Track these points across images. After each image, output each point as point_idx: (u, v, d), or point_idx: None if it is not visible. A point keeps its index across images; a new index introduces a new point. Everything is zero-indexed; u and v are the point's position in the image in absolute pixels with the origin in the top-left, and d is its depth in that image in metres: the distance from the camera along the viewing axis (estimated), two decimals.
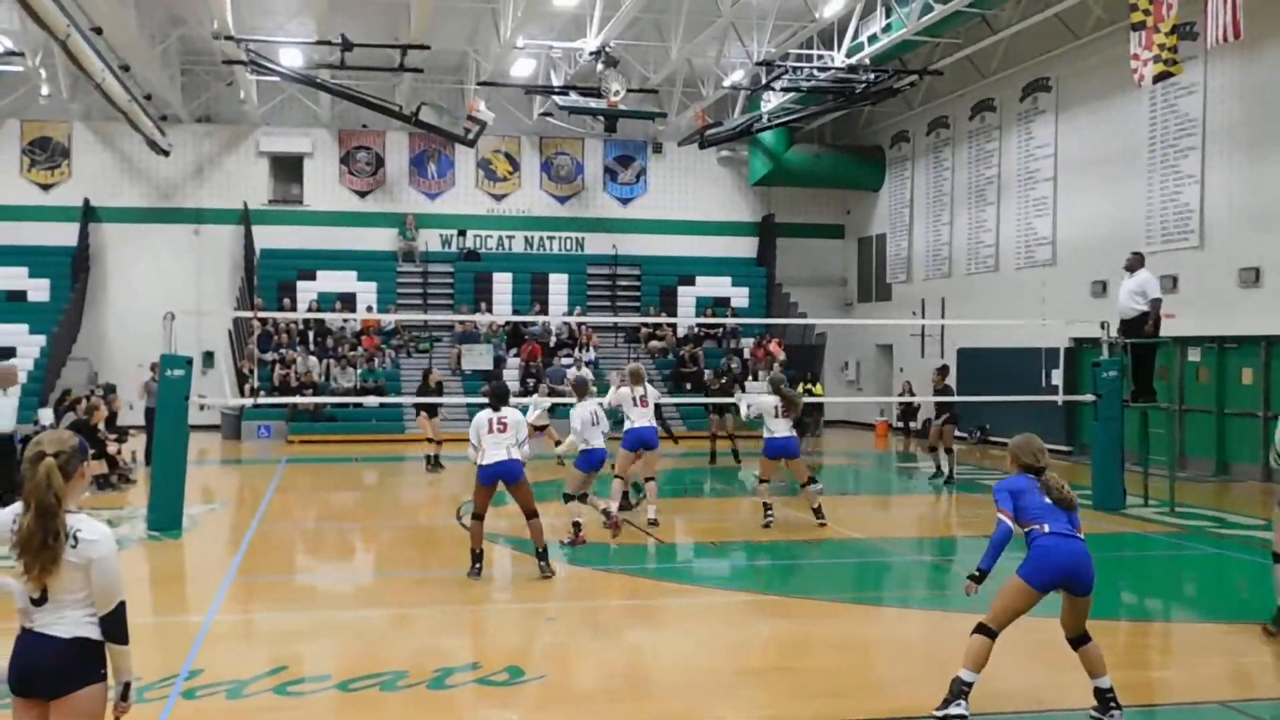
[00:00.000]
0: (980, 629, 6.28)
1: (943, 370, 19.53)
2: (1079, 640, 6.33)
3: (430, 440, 19.91)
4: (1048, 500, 6.31)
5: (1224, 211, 19.09)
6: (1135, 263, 15.60)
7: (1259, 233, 18.29)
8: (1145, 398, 15.74)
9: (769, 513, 13.25)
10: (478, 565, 10.17)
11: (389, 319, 29.25)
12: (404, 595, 10.11)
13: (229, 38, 21.04)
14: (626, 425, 13.07)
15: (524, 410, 12.72)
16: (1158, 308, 15.31)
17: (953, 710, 6.12)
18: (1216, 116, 19.26)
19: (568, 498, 12.18)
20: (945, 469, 18.22)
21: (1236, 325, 18.68)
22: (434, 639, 8.52)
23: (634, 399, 13.07)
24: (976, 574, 6.40)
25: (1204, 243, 19.47)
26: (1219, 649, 8.57)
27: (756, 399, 13.79)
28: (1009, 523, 6.29)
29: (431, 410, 20.00)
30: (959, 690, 6.19)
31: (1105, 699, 6.25)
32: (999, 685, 6.90)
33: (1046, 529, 6.22)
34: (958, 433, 19.57)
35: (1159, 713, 7.10)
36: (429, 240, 31.39)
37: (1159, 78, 17.64)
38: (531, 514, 10.32)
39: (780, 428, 13.07)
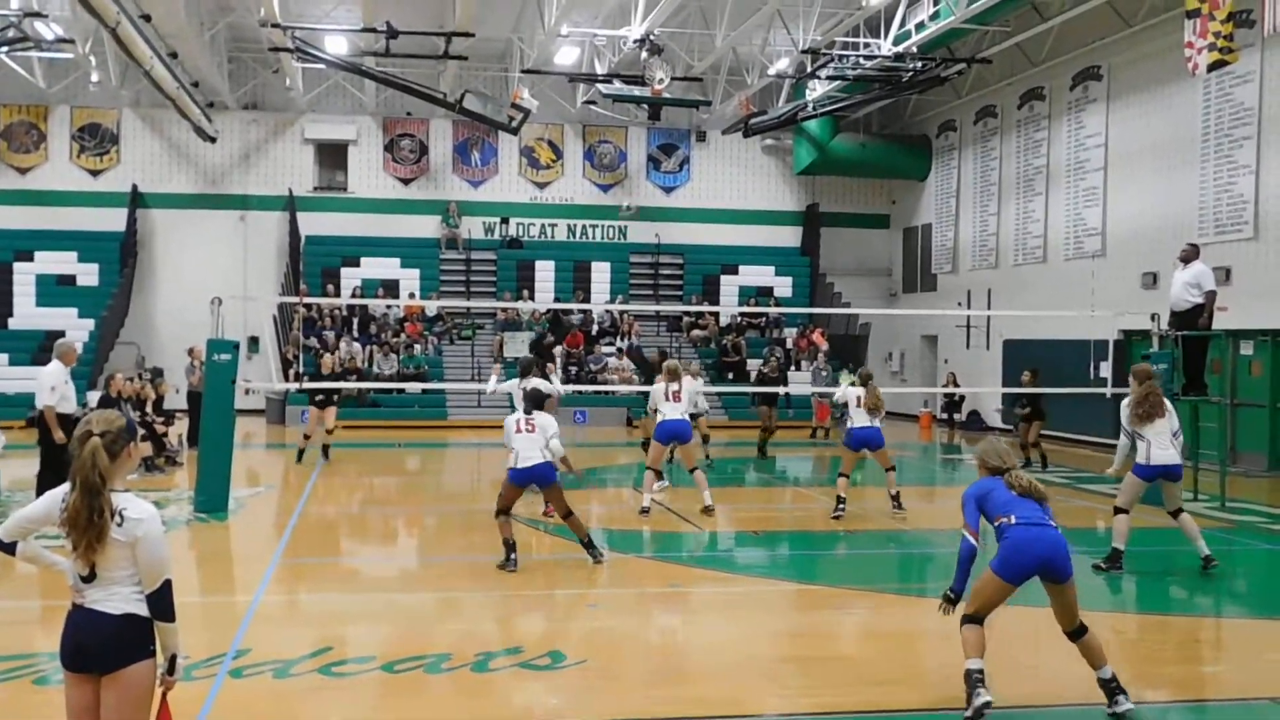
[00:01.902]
0: (967, 619, 6.28)
1: (1034, 371, 19.43)
2: (1075, 633, 6.26)
3: (328, 431, 18.33)
4: (1014, 493, 6.32)
5: (1279, 203, 18.75)
6: (1190, 254, 15.33)
7: None
8: (1196, 391, 15.49)
9: (841, 506, 13.20)
10: (513, 556, 10.05)
11: (432, 305, 29.36)
12: (447, 579, 10.16)
13: (275, 25, 21.14)
14: (659, 418, 13.27)
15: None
16: (1213, 300, 15.05)
17: (977, 700, 6.08)
18: (1273, 106, 18.90)
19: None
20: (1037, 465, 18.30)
21: None
22: (477, 623, 8.54)
23: (667, 393, 13.24)
24: (950, 595, 6.42)
25: (1259, 234, 19.13)
26: (1272, 644, 8.45)
27: (844, 390, 14.05)
28: (970, 539, 6.32)
29: (326, 400, 18.17)
30: (974, 681, 6.17)
31: (1110, 689, 6.18)
32: (1053, 674, 6.83)
33: (1014, 519, 6.23)
34: (1002, 425, 19.39)
35: (1210, 708, 7.03)
36: (472, 228, 31.49)
37: (1214, 66, 17.36)
38: (566, 514, 10.32)
39: (861, 418, 13.24)
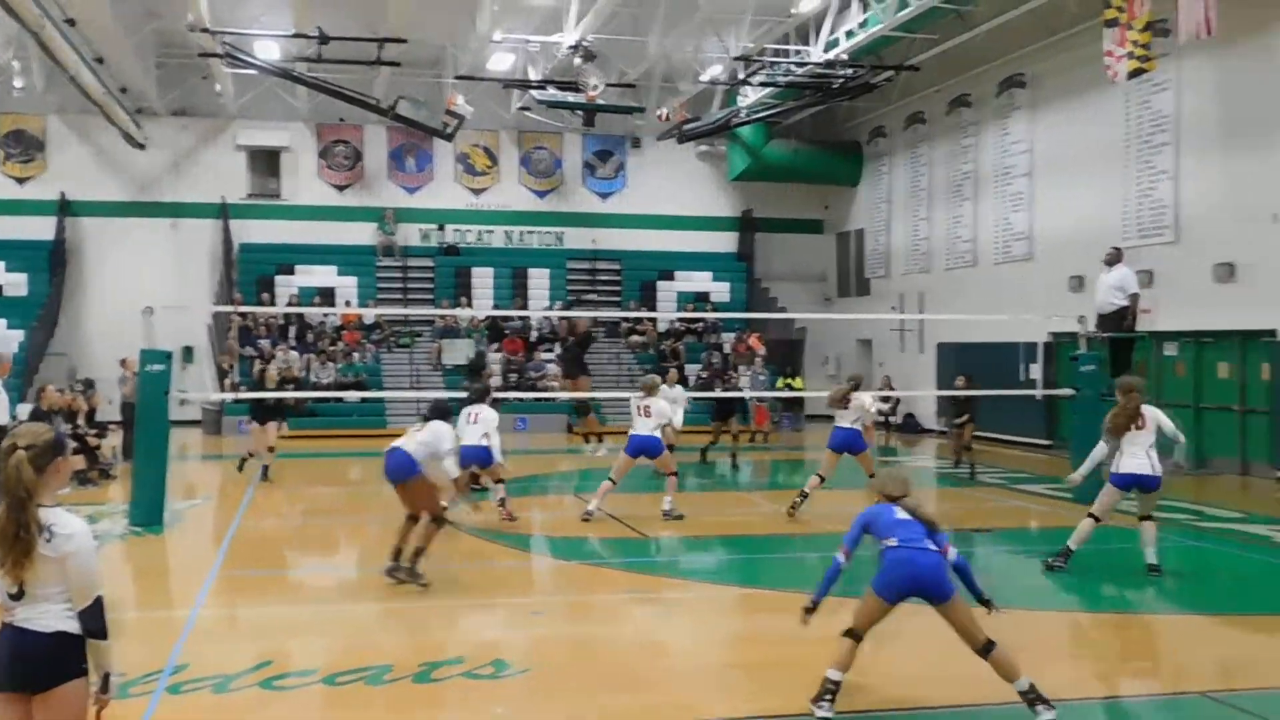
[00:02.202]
0: (848, 633, 6.47)
1: (968, 377, 19.73)
2: (983, 650, 6.38)
3: (270, 449, 17.25)
4: (900, 517, 6.53)
5: (1199, 207, 19.29)
6: (1114, 258, 15.77)
7: (1233, 228, 18.49)
8: None
9: (799, 500, 13.56)
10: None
11: (369, 313, 29.21)
12: (389, 590, 10.03)
13: (205, 30, 20.96)
14: (630, 432, 13.62)
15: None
16: (1136, 303, 15.48)
17: (818, 712, 6.30)
18: (1190, 113, 19.46)
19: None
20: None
21: (1212, 320, 18.88)
22: (420, 633, 8.55)
23: (639, 408, 13.61)
24: (808, 606, 6.70)
25: (1179, 238, 19.67)
26: (1200, 640, 8.71)
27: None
28: (841, 558, 6.61)
29: (268, 415, 17.30)
30: (826, 689, 6.37)
31: (1029, 699, 6.27)
32: (972, 673, 6.99)
33: (894, 542, 6.43)
34: (937, 428, 19.73)
35: (1142, 704, 7.21)
36: (409, 234, 31.39)
37: (1133, 74, 17.88)
38: (436, 517, 9.81)
39: (845, 419, 13.70)
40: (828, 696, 6.34)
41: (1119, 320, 15.50)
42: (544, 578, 10.49)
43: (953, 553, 6.53)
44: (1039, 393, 18.52)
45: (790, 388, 26.50)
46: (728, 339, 30.77)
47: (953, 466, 19.11)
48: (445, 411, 10.26)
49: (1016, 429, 23.24)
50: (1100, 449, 10.76)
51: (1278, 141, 17.60)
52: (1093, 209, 21.69)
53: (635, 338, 30.61)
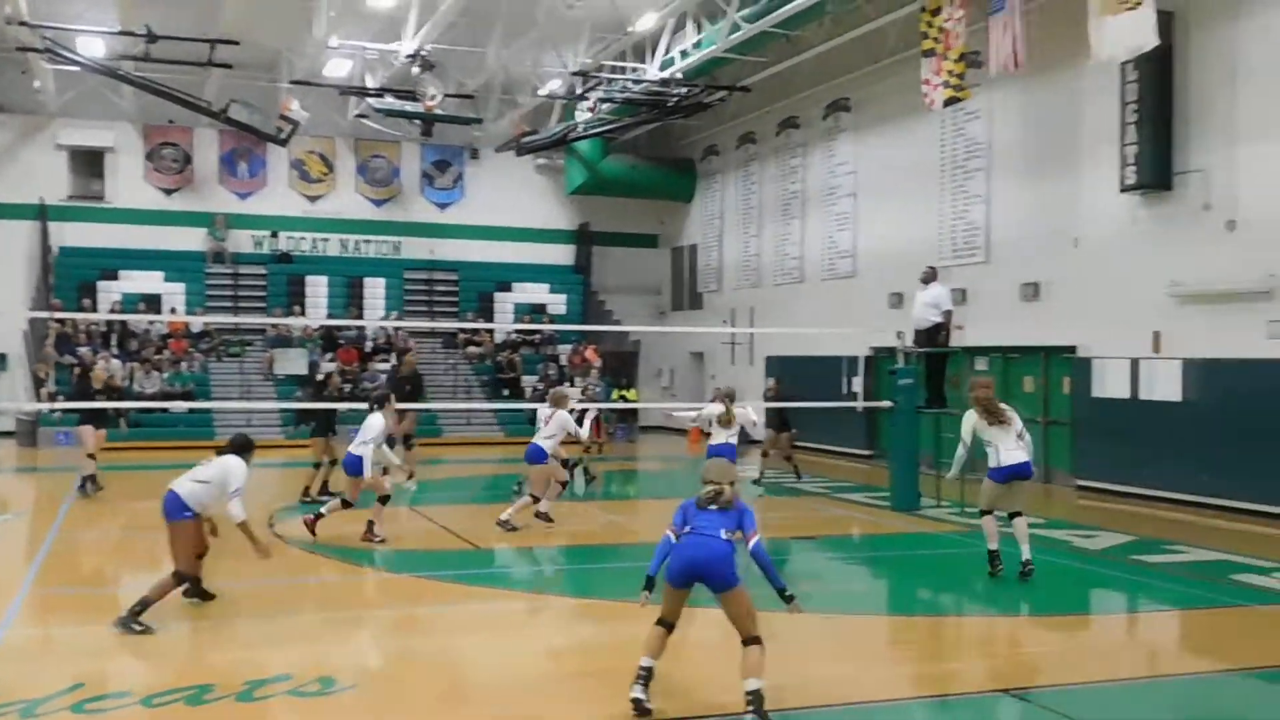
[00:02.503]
0: (659, 622, 6.85)
1: (778, 380, 20.27)
2: (746, 641, 6.68)
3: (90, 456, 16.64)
4: (702, 508, 6.92)
5: (1008, 229, 20.42)
6: (930, 276, 16.65)
7: (1037, 250, 19.64)
8: (938, 404, 16.76)
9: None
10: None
11: (197, 321, 28.45)
12: (215, 607, 9.80)
13: (23, 23, 20.17)
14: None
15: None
16: (950, 319, 16.36)
17: (632, 693, 6.65)
18: (1000, 140, 20.60)
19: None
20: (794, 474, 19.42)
21: (1018, 336, 20.00)
22: (245, 651, 8.40)
23: (544, 418, 14.07)
24: (646, 581, 6.96)
25: (990, 258, 20.77)
26: (1007, 640, 9.27)
27: (704, 410, 15.09)
28: (669, 534, 6.91)
29: (100, 420, 16.80)
30: (638, 675, 6.72)
31: (748, 700, 6.50)
32: (794, 678, 7.36)
33: (689, 529, 6.84)
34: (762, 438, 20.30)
35: (949, 702, 7.53)
36: (240, 241, 30.69)
37: (948, 102, 18.83)
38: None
39: (720, 435, 14.45)
40: (640, 680, 6.68)
41: (934, 335, 16.37)
42: (375, 591, 10.48)
43: (754, 541, 6.83)
44: (860, 405, 19.32)
45: (625, 399, 26.88)
46: (564, 351, 31.03)
47: (795, 477, 19.70)
48: (242, 447, 9.41)
49: (838, 440, 24.13)
50: (960, 453, 11.47)
51: (1078, 169, 18.78)
52: (912, 229, 22.69)
53: (472, 349, 30.59)
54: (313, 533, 12.62)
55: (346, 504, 12.80)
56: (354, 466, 12.70)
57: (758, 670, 6.55)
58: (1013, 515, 11.20)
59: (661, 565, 6.89)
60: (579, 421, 14.89)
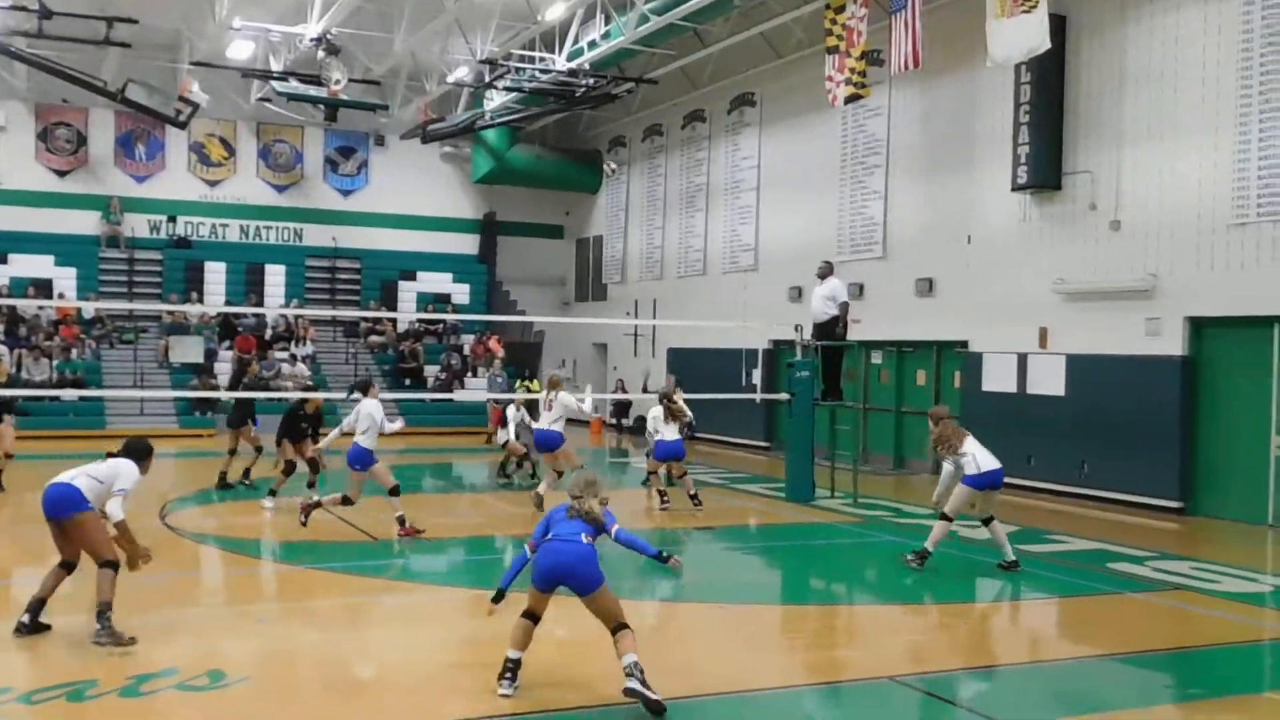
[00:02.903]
0: (525, 614, 7.13)
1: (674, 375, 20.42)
2: (615, 630, 6.93)
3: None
4: (566, 516, 7.26)
5: (904, 226, 20.85)
6: (826, 270, 16.94)
7: (932, 246, 20.10)
8: (834, 397, 17.08)
9: (665, 499, 15.21)
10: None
11: (90, 307, 27.75)
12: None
13: None
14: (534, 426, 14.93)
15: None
16: (846, 311, 16.64)
17: (500, 689, 6.95)
18: (899, 138, 21.01)
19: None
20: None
21: (913, 331, 20.47)
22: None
23: (545, 402, 14.89)
24: (496, 595, 7.40)
25: (887, 254, 21.20)
26: (894, 628, 9.52)
27: (651, 410, 15.82)
28: (527, 550, 7.33)
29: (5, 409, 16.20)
30: (505, 668, 7.01)
31: (627, 673, 6.74)
32: (687, 667, 7.51)
33: (551, 536, 7.17)
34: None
35: (840, 689, 7.77)
36: (136, 225, 29.99)
37: (849, 99, 19.16)
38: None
39: (669, 433, 14.97)
40: (507, 675, 6.98)
41: (832, 329, 16.66)
42: (267, 584, 10.39)
43: (615, 530, 7.23)
44: (759, 397, 19.56)
45: (529, 390, 26.85)
46: (468, 341, 30.91)
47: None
48: (138, 452, 8.65)
49: (737, 431, 24.48)
50: (947, 469, 11.53)
51: (973, 168, 19.25)
52: (812, 224, 23.05)
53: (374, 338, 30.32)
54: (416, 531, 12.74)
55: (348, 500, 12.79)
56: (364, 459, 12.64)
57: (632, 647, 6.81)
58: (987, 520, 11.57)
59: (514, 579, 7.25)
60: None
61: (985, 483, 11.30)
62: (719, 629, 9.20)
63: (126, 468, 8.44)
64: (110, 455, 8.57)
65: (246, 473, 16.44)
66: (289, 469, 14.87)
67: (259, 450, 16.68)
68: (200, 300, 28.81)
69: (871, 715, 7.32)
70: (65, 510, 8.19)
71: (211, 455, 15.32)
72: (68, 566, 8.34)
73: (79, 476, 8.33)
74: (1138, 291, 16.27)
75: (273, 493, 14.50)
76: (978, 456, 11.28)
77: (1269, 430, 14.86)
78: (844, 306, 16.72)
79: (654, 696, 6.60)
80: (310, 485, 14.51)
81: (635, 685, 6.64)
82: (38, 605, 8.21)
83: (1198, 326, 15.82)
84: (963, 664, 8.15)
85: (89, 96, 25.59)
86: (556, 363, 31.88)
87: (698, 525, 14.15)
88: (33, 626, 8.15)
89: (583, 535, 7.07)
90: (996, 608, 11.04)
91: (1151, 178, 16.24)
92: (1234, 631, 9.51)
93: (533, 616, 7.10)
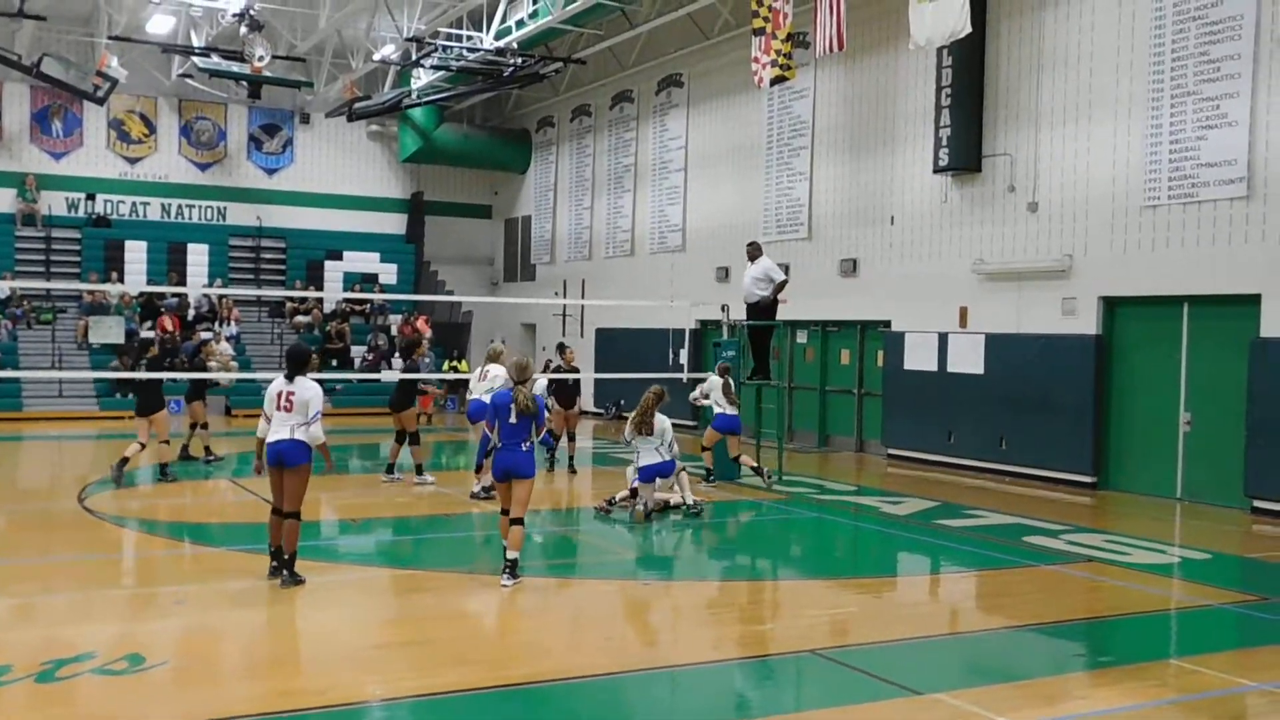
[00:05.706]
0: (504, 512, 9.56)
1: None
2: (514, 520, 9.43)
3: None
4: (511, 421, 9.42)
5: (829, 207, 21.09)
6: (755, 252, 16.99)
7: (855, 227, 20.38)
8: (761, 376, 17.22)
9: (710, 475, 15.87)
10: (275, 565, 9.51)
11: (4, 286, 27.11)
12: (14, 583, 9.55)
13: None
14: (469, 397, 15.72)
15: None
16: (782, 288, 16.61)
17: (503, 580, 9.21)
18: (823, 120, 21.22)
19: None
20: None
21: (837, 311, 20.75)
22: (49, 629, 8.17)
23: (480, 373, 15.09)
24: (476, 467, 9.72)
25: (812, 235, 21.43)
26: (814, 602, 9.69)
27: (708, 383, 16.09)
28: (487, 431, 9.81)
29: None
30: (506, 565, 9.32)
31: (504, 568, 9.35)
32: (610, 642, 7.60)
33: (500, 444, 9.48)
34: (593, 409, 20.54)
35: (766, 662, 7.84)
36: (53, 203, 29.33)
37: (775, 81, 19.25)
38: (292, 514, 9.39)
39: (728, 407, 15.58)
40: (507, 571, 9.25)
41: (769, 309, 16.59)
42: (186, 565, 10.28)
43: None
44: (685, 376, 19.68)
45: (456, 370, 26.81)
46: (395, 321, 30.69)
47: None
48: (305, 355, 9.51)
49: (664, 410, 24.50)
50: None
51: (894, 149, 19.53)
52: (739, 204, 23.23)
53: (300, 318, 29.99)
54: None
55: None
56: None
57: (518, 544, 9.37)
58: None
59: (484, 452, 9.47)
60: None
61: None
62: (644, 605, 9.30)
63: (312, 392, 9.31)
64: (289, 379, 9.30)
65: (208, 449, 17.27)
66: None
67: (204, 426, 17.48)
68: (120, 280, 28.26)
69: (795, 688, 7.46)
70: (288, 464, 9.32)
71: (133, 437, 15.05)
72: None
73: (297, 430, 9.18)
74: (1054, 272, 16.65)
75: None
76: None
77: (1178, 407, 15.32)
78: (782, 285, 16.65)
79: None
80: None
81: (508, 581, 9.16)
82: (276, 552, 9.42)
83: (1111, 306, 16.23)
84: (882, 637, 8.33)
85: (2, 70, 24.99)
86: (485, 343, 31.71)
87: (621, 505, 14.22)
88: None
89: (524, 443, 9.42)
90: (916, 580, 11.28)
91: (1068, 160, 16.59)
92: (1143, 602, 9.82)
93: (507, 511, 9.50)
